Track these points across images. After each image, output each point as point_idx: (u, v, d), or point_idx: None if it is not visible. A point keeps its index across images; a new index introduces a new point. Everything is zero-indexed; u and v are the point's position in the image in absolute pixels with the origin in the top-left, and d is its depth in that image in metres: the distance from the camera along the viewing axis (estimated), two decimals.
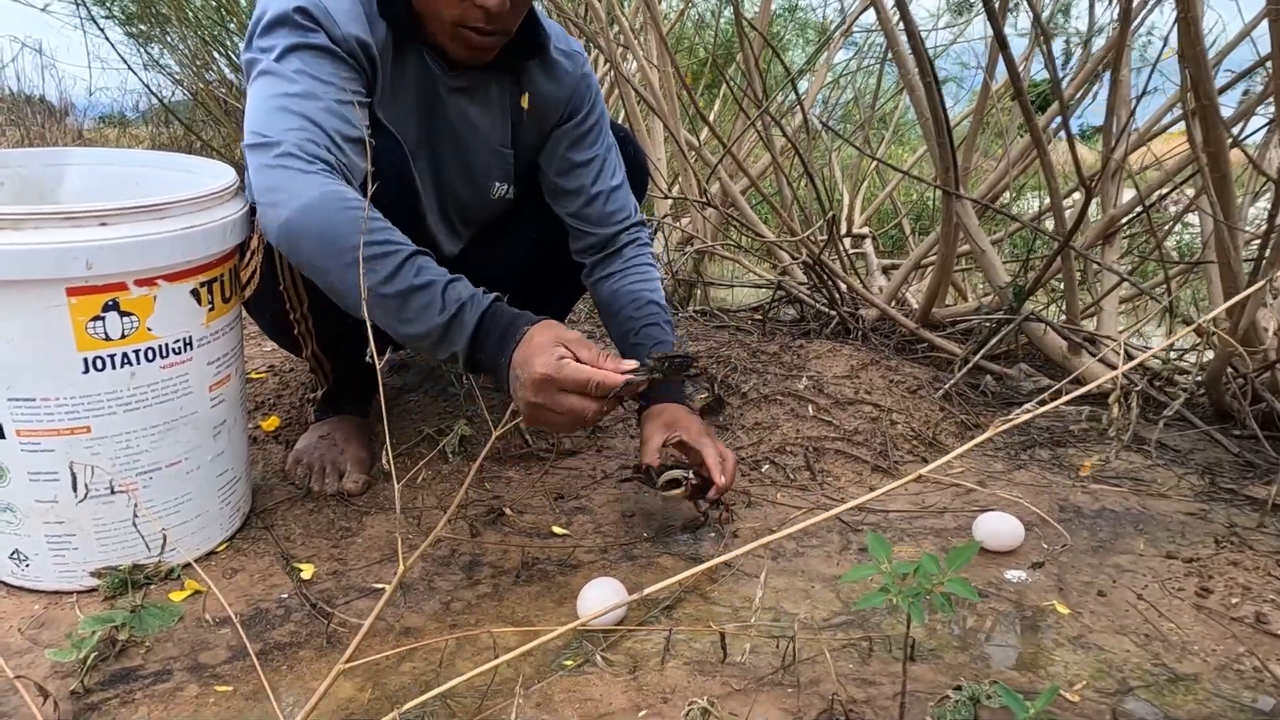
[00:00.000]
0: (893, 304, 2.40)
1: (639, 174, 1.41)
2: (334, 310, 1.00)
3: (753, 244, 2.78)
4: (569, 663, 0.92)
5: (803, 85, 3.05)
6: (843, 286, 2.26)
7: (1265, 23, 1.34)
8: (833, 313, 2.22)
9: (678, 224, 2.82)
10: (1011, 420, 0.75)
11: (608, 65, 2.69)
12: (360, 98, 1.05)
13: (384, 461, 1.06)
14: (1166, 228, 2.21)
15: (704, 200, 2.42)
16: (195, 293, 0.99)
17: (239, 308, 1.13)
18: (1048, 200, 2.12)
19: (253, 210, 1.03)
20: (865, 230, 2.80)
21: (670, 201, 2.70)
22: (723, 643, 0.92)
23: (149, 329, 0.95)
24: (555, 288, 1.48)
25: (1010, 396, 1.88)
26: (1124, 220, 2.18)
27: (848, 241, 2.83)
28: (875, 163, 3.14)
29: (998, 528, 1.19)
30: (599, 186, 1.29)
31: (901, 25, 1.73)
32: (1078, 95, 2.39)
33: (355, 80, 1.05)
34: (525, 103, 1.23)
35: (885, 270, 2.67)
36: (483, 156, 1.24)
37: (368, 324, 0.86)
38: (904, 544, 1.22)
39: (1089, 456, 1.57)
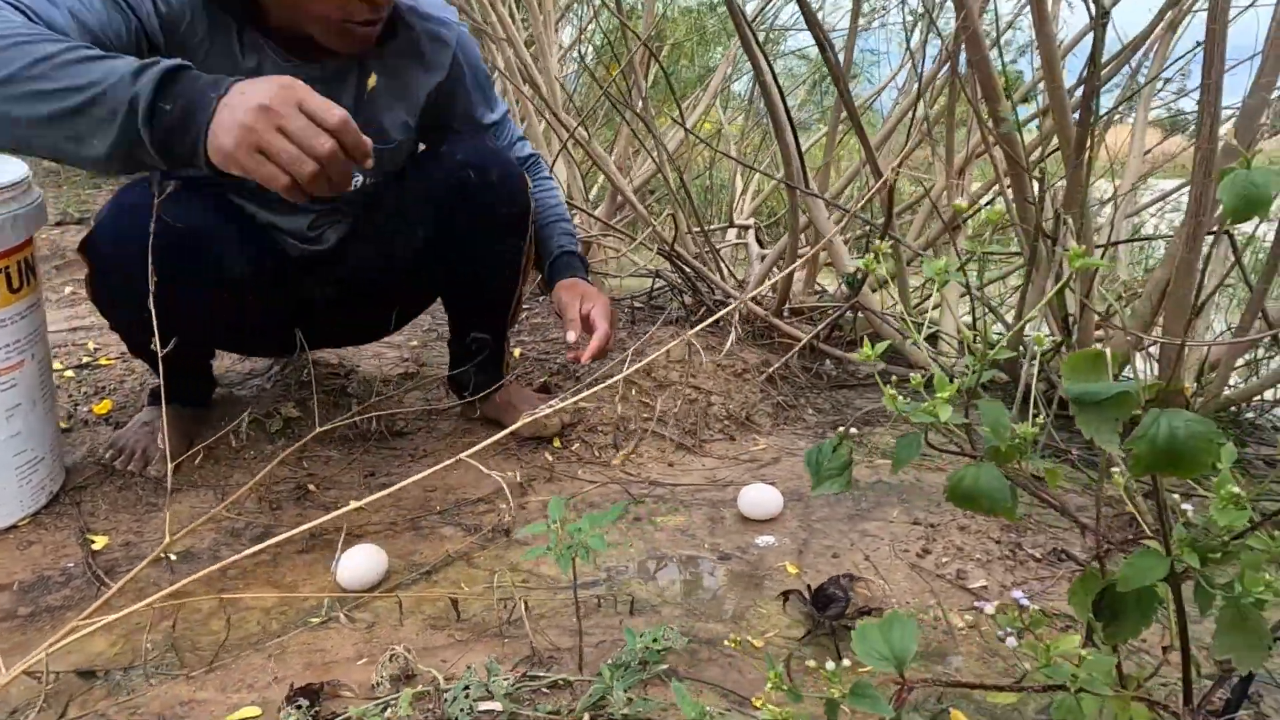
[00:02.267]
0: (773, 293, 2.51)
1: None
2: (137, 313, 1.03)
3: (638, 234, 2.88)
4: (314, 620, 1.01)
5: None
6: (715, 276, 2.37)
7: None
8: (711, 302, 2.32)
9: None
10: (703, 324, 0.85)
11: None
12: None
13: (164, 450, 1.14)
14: (966, 216, 2.34)
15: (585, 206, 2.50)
16: None
17: (37, 294, 1.20)
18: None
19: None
20: (750, 221, 2.90)
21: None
22: (455, 606, 1.02)
23: None
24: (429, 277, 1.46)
25: (846, 380, 1.99)
26: (970, 212, 2.30)
27: (733, 233, 2.94)
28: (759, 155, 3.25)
29: (757, 498, 1.30)
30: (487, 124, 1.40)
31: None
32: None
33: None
34: (371, 82, 1.21)
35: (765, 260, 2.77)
36: None
37: (154, 319, 0.92)
38: (678, 513, 1.33)
39: (890, 435, 1.69)
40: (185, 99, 0.80)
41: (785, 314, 2.29)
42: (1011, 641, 0.85)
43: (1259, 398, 1.82)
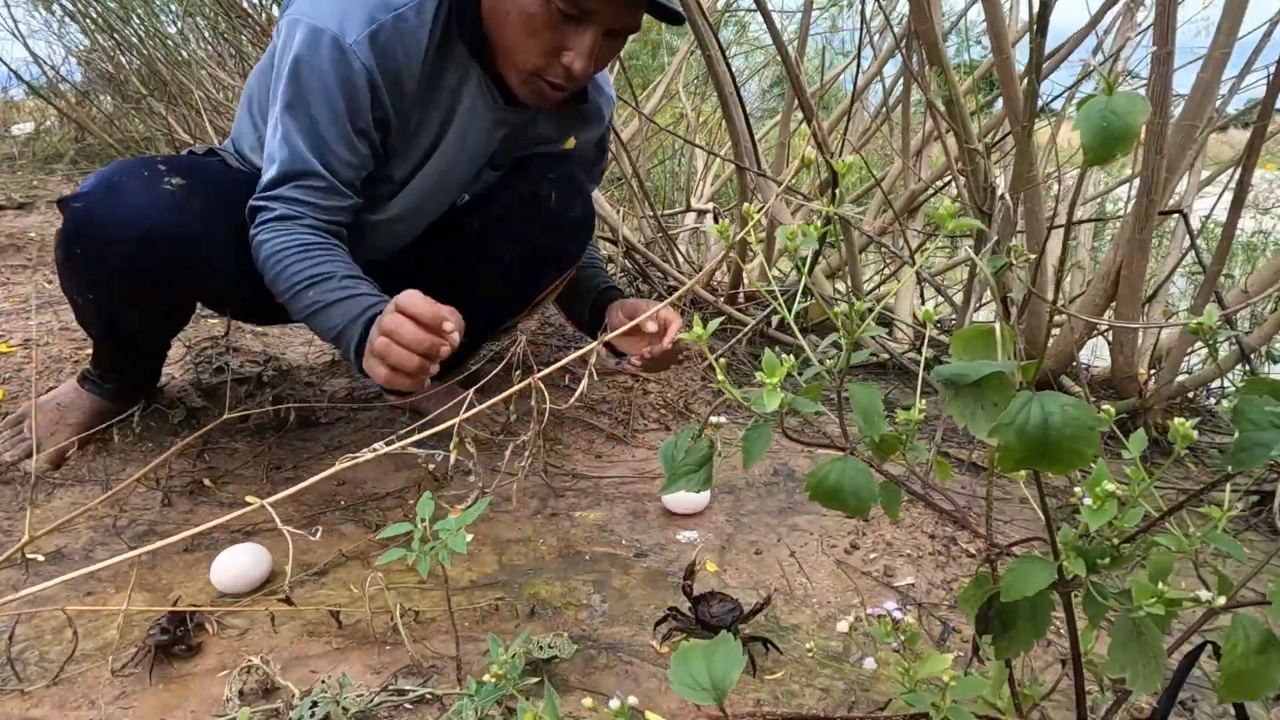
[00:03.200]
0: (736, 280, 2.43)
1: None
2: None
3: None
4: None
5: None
6: (666, 265, 2.29)
7: None
8: (664, 289, 2.24)
9: None
10: None
11: None
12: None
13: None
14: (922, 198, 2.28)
15: None
16: None
17: None
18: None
19: None
20: (709, 205, 2.82)
21: None
22: (335, 615, 0.93)
23: None
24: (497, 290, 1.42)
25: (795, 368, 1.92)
26: (923, 195, 2.24)
27: (691, 216, 2.86)
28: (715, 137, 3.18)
29: (681, 492, 1.22)
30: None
31: None
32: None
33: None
34: (570, 144, 1.32)
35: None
36: (467, 173, 1.26)
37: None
38: (599, 508, 1.25)
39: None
40: (361, 335, 1.04)
41: (740, 299, 2.22)
42: (869, 663, 0.78)
43: (1215, 383, 1.77)
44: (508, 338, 1.77)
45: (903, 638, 0.53)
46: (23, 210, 3.28)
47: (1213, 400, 1.97)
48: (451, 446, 0.78)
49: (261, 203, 1.10)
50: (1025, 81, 1.49)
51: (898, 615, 0.91)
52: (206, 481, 1.26)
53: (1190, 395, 1.69)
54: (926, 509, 1.22)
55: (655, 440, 1.50)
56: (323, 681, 0.77)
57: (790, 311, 0.58)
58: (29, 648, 0.89)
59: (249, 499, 1.23)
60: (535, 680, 0.80)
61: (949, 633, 0.96)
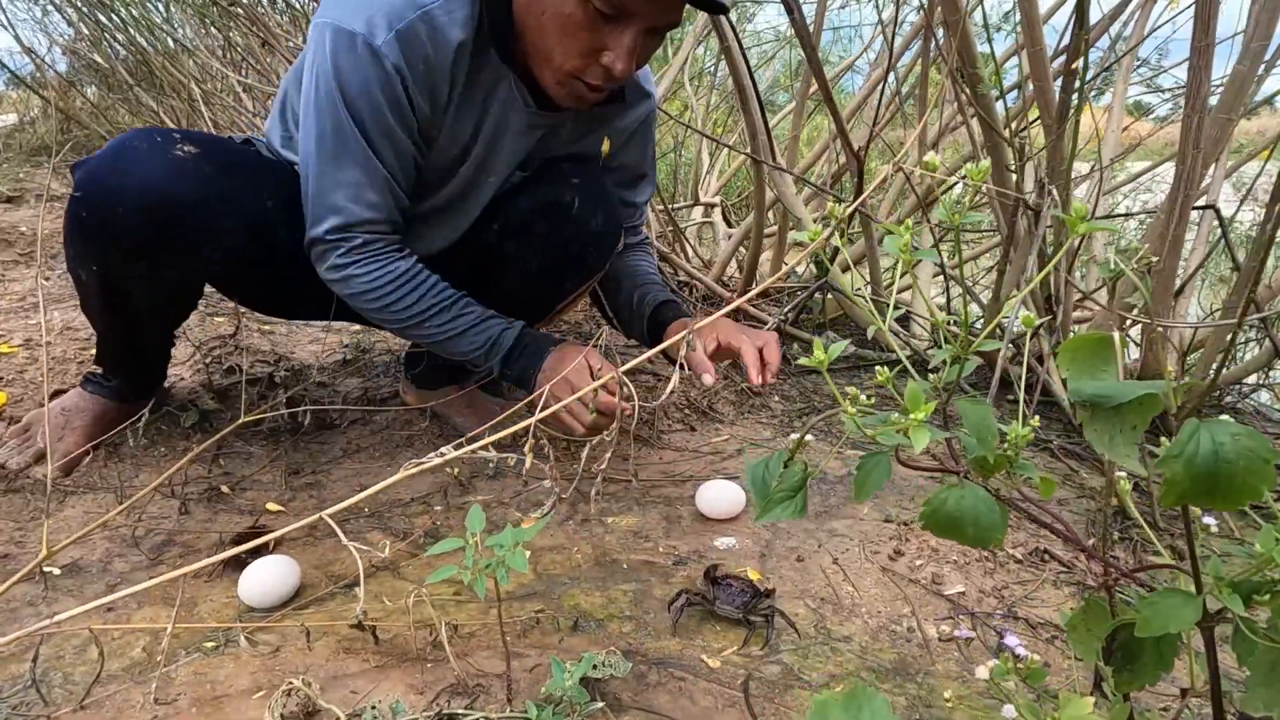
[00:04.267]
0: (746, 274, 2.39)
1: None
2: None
3: None
4: (209, 644, 0.89)
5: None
6: (679, 259, 2.25)
7: None
8: (675, 284, 2.20)
9: None
10: None
11: None
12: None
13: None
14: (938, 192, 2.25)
15: None
16: None
17: None
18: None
19: None
20: (716, 199, 2.78)
21: None
22: (362, 627, 0.89)
23: None
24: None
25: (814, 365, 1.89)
26: (941, 189, 2.21)
27: (698, 211, 2.82)
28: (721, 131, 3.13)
29: (717, 496, 1.19)
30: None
31: None
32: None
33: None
34: (605, 148, 1.24)
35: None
36: (499, 179, 1.22)
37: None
38: (631, 513, 1.22)
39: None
40: (516, 373, 1.18)
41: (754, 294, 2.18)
42: (1009, 710, 0.74)
43: (1239, 383, 1.75)
44: None
45: (1023, 675, 0.50)
46: (11, 204, 3.20)
47: (1232, 398, 1.95)
48: (527, 449, 0.74)
49: (338, 236, 1.10)
50: (1059, 80, 1.46)
51: (1022, 652, 0.88)
52: (224, 488, 1.22)
53: (1217, 393, 1.67)
54: None
55: (680, 441, 1.47)
56: (373, 707, 0.73)
57: (885, 321, 0.55)
58: (50, 668, 0.85)
59: (270, 506, 1.19)
60: (597, 704, 0.77)
61: (1004, 646, 0.94)
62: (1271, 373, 1.63)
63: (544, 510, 0.77)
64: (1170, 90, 2.83)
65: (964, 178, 2.23)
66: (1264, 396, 2.05)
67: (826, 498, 1.28)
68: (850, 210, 0.71)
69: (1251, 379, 1.66)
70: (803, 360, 0.55)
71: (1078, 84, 1.21)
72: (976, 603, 1.01)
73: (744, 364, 1.19)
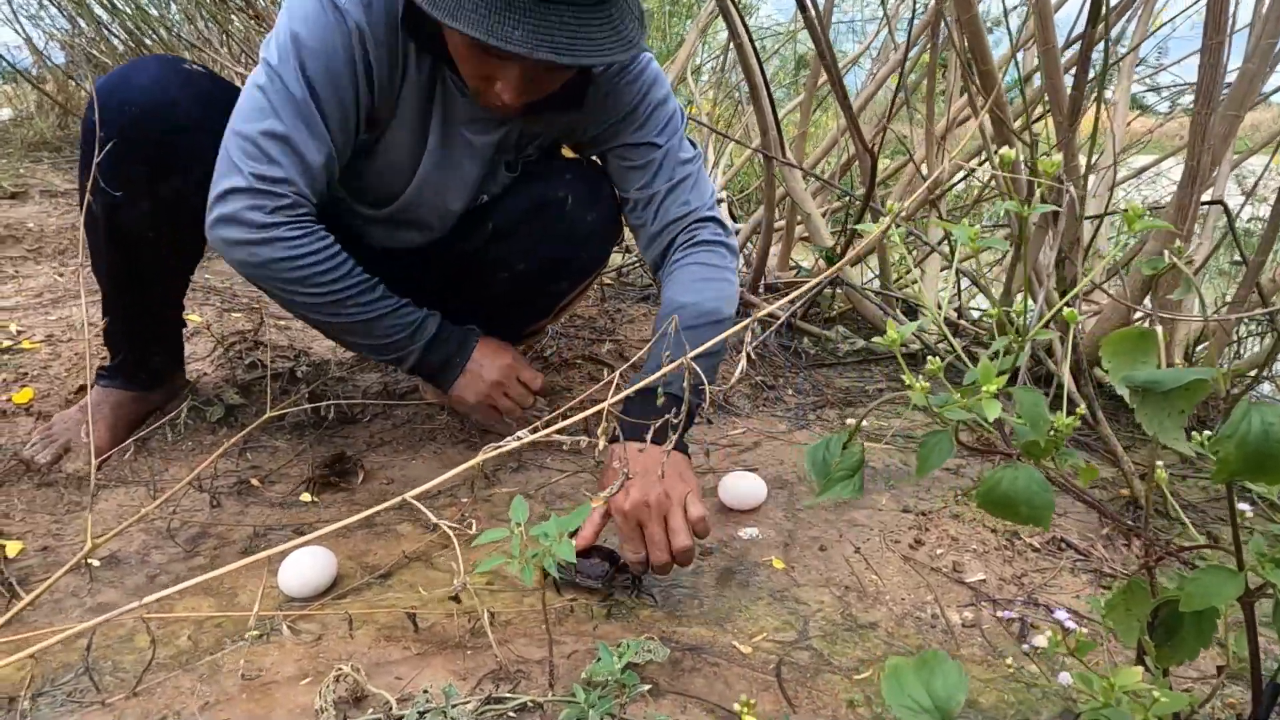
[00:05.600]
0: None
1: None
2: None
3: None
4: (254, 633, 0.91)
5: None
6: None
7: None
8: None
9: None
10: None
11: None
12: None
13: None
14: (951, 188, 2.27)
15: None
16: None
17: None
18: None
19: None
20: (722, 195, 2.80)
21: None
22: (412, 619, 0.92)
23: None
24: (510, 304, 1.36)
25: (824, 359, 1.92)
26: (948, 185, 2.23)
27: None
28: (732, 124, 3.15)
29: (739, 487, 1.21)
30: (646, 190, 1.20)
31: None
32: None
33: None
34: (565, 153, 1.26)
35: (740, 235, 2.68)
36: (470, 172, 1.19)
37: None
38: None
39: (879, 418, 1.62)
40: (439, 359, 1.20)
41: (761, 290, 2.20)
42: (1065, 678, 0.77)
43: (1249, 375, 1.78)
44: (535, 340, 1.75)
45: (1073, 646, 0.52)
46: (15, 200, 3.20)
47: (1237, 390, 1.98)
48: (600, 431, 0.75)
49: (267, 186, 1.01)
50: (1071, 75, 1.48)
51: (1069, 626, 0.91)
52: (254, 481, 1.24)
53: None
54: None
55: (698, 434, 1.49)
56: (424, 691, 0.75)
57: (940, 313, 0.57)
58: (99, 657, 0.87)
59: (303, 497, 1.21)
60: (644, 687, 0.79)
61: (1028, 630, 0.96)
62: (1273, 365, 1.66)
63: (612, 490, 0.79)
64: (1168, 88, 2.87)
65: (971, 173, 2.24)
66: (1266, 388, 2.08)
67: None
68: (903, 212, 0.71)
69: (1251, 371, 1.69)
70: (879, 341, 0.57)
71: (1091, 78, 1.23)
72: (997, 590, 1.04)
73: (624, 555, 0.97)
